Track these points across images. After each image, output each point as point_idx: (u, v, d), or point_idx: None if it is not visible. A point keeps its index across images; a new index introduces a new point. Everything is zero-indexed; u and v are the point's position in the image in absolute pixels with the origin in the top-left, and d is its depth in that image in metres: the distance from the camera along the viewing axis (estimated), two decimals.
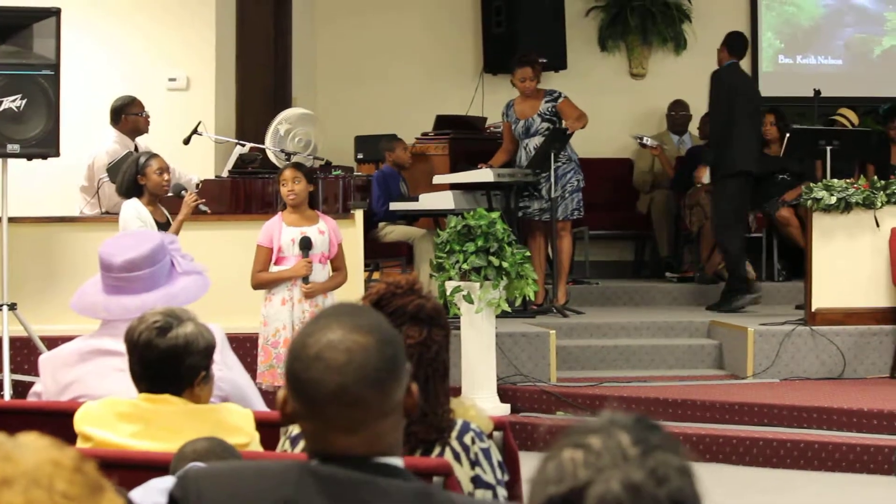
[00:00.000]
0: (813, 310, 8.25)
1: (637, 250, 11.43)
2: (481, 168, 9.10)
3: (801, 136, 9.06)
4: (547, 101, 9.24)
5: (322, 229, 6.80)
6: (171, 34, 9.47)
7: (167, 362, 3.11)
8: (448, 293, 7.19)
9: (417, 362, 2.75)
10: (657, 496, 1.35)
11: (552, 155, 8.87)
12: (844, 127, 10.04)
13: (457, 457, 2.81)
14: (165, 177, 7.01)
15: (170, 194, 7.26)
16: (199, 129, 8.62)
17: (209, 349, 3.18)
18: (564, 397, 7.58)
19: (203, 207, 7.27)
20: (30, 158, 7.39)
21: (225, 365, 3.63)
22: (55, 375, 3.74)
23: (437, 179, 9.35)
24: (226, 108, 9.74)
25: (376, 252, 9.18)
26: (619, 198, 11.29)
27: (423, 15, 11.65)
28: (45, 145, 7.26)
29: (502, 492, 2.85)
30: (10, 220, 7.49)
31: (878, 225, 8.26)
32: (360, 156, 10.42)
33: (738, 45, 9.42)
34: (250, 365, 6.36)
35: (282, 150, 8.66)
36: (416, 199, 9.14)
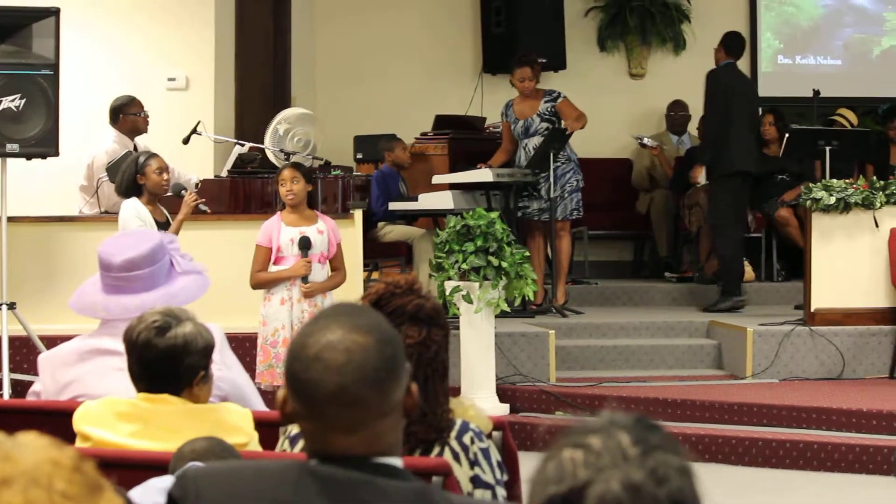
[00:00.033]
0: (812, 310, 8.25)
1: (636, 250, 11.42)
2: (480, 168, 9.09)
3: (801, 137, 9.06)
4: (546, 102, 9.23)
5: (321, 229, 6.80)
6: (171, 34, 9.47)
7: (166, 362, 3.11)
8: (447, 293, 7.18)
9: (417, 362, 2.75)
10: (657, 496, 1.35)
11: (551, 155, 8.86)
12: (843, 127, 10.03)
13: (456, 457, 2.81)
14: (165, 176, 7.01)
15: (169, 194, 7.27)
16: (199, 129, 8.62)
17: (208, 349, 3.18)
18: (564, 397, 7.58)
19: (203, 207, 7.27)
20: (29, 158, 7.39)
21: (224, 364, 3.63)
22: (54, 375, 3.73)
23: (437, 179, 9.34)
24: (225, 107, 9.74)
25: (375, 252, 9.17)
26: (619, 198, 11.29)
27: (422, 14, 11.64)
28: (45, 145, 7.26)
29: (501, 492, 2.84)
30: (10, 219, 7.50)
31: (877, 225, 8.25)
32: (359, 155, 10.41)
33: (735, 44, 9.42)
34: (249, 365, 6.35)
35: (281, 150, 8.65)
36: (416, 199, 9.13)
